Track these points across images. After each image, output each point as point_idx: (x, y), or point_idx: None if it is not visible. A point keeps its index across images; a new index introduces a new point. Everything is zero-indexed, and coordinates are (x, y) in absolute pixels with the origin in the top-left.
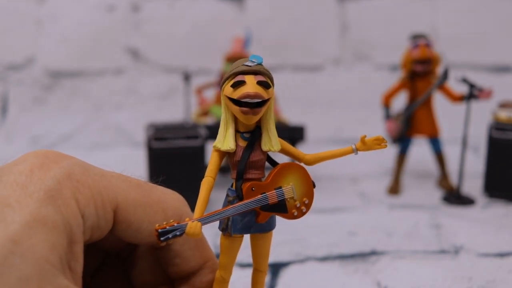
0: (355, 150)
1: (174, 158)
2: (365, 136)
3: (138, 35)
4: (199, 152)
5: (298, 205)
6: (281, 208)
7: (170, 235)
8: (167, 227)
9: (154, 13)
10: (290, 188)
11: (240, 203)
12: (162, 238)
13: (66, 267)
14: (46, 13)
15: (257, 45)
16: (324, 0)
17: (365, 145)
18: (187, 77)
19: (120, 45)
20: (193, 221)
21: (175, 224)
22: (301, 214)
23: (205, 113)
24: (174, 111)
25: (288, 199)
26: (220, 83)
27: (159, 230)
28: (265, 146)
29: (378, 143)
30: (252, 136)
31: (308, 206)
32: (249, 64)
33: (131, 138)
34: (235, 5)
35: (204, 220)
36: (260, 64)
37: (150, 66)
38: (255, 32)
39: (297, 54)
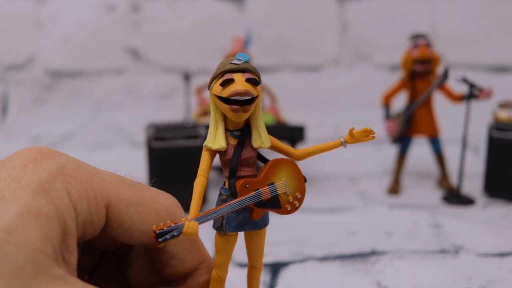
0: (344, 143)
1: (174, 158)
2: (353, 129)
3: (138, 35)
4: (199, 152)
5: (291, 200)
6: (275, 203)
7: (168, 236)
8: (165, 228)
9: (154, 13)
10: (282, 184)
11: (235, 200)
12: (160, 239)
13: (60, 258)
14: (46, 13)
15: (257, 45)
16: (324, 0)
17: (353, 137)
18: (187, 77)
19: (120, 45)
20: (189, 221)
21: (172, 225)
22: (294, 208)
23: (205, 113)
24: (174, 111)
25: (281, 195)
26: (209, 82)
27: (157, 231)
28: (255, 143)
29: (365, 135)
30: (242, 133)
31: (300, 201)
32: (237, 62)
33: (131, 138)
34: (235, 5)
35: (200, 219)
36: (247, 62)
37: (150, 66)
38: (255, 32)
39: (297, 54)
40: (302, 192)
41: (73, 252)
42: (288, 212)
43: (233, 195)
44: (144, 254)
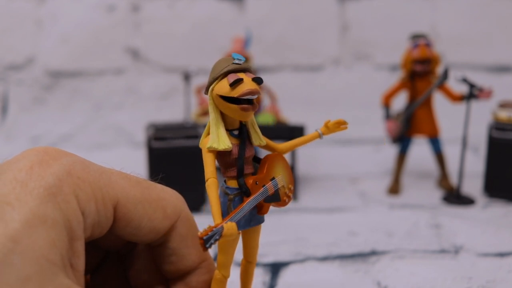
0: (321, 135)
1: (174, 158)
2: (329, 121)
3: (138, 35)
4: (199, 152)
5: (287, 192)
6: (276, 197)
7: (212, 241)
8: (209, 233)
9: (154, 13)
10: (281, 178)
11: (251, 198)
12: (207, 245)
13: (67, 264)
14: (46, 13)
15: (257, 45)
16: (324, 0)
17: (328, 129)
18: (187, 77)
19: (120, 45)
20: (226, 223)
21: (214, 229)
22: (290, 199)
23: (205, 113)
24: (174, 111)
25: (280, 188)
26: (208, 83)
27: (204, 238)
28: (255, 141)
29: (337, 125)
30: (240, 133)
31: (292, 191)
32: (238, 62)
33: (131, 138)
34: (235, 5)
35: (232, 219)
36: (244, 61)
37: (150, 66)
38: (255, 32)
39: (297, 54)
40: (293, 183)
41: (81, 257)
42: (285, 204)
43: (246, 193)
44: (146, 254)
